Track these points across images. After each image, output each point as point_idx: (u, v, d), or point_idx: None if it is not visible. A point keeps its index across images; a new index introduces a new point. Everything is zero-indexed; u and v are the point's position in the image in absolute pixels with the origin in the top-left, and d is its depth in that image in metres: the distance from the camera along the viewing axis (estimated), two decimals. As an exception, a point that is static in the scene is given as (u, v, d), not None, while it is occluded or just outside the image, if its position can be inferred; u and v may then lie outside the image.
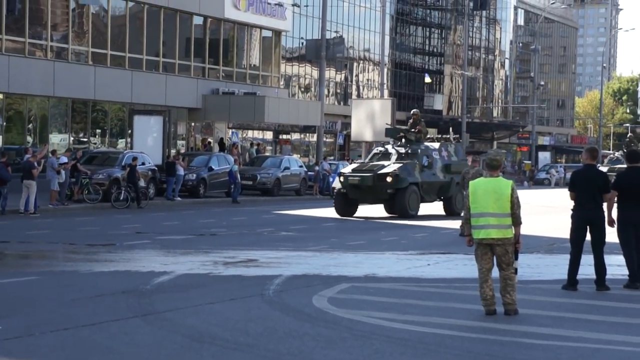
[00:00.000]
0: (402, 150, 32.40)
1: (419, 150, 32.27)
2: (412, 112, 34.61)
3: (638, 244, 14.36)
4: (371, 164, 32.32)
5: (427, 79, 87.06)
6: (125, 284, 13.99)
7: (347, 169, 33.34)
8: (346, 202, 31.83)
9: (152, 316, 11.41)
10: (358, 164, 33.66)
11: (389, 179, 30.91)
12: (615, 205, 14.47)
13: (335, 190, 32.86)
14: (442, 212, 33.01)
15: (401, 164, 31.47)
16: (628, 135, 47.00)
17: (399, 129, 34.46)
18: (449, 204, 33.02)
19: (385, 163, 31.79)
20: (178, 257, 18.03)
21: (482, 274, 11.82)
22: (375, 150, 33.91)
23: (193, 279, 14.88)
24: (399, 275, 15.87)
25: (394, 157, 32.14)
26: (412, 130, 33.10)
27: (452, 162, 33.18)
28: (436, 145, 33.49)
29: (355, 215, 31.81)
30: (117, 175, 34.88)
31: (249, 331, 10.55)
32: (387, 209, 32.40)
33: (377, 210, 33.19)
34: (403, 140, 32.90)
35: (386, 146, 33.34)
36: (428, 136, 35.03)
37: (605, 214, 14.23)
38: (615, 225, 14.42)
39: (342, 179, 31.84)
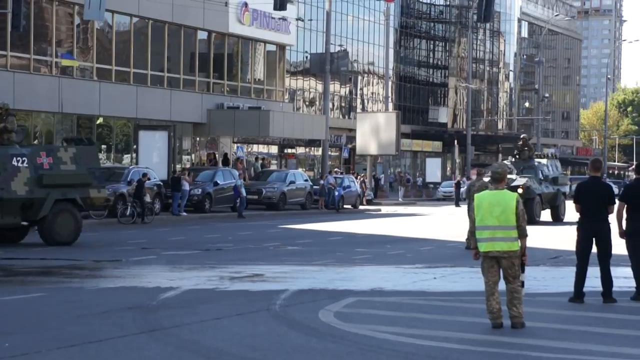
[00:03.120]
0: None
1: None
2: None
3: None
4: None
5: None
6: (132, 300, 13.99)
7: None
8: None
9: (159, 332, 11.41)
10: None
11: None
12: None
13: None
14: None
15: None
16: (521, 136, 42.05)
17: None
18: (42, 229, 23.89)
19: None
20: (184, 273, 18.02)
21: (488, 287, 11.80)
22: None
23: (199, 294, 14.87)
24: (406, 289, 15.85)
25: None
26: None
27: (57, 173, 23.67)
28: (24, 149, 23.62)
29: None
30: (122, 191, 34.87)
31: (256, 346, 10.54)
32: None
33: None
34: None
35: None
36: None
37: (613, 225, 14.19)
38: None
39: None
